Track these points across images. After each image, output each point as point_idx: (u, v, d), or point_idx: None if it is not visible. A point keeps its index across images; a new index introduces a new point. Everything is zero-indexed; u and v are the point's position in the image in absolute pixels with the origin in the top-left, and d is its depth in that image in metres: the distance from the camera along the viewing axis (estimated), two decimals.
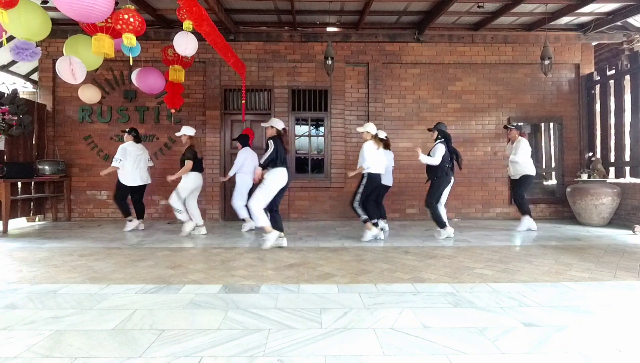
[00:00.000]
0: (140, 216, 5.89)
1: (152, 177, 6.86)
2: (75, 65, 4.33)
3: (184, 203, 5.35)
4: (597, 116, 6.97)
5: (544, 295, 2.71)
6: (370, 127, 4.90)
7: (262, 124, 4.62)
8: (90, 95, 5.93)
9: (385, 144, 5.33)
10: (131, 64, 4.55)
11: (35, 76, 7.69)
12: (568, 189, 6.50)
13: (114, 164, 5.53)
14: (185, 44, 4.38)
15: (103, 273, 3.36)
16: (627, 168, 6.32)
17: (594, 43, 7.21)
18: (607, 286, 2.92)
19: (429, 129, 5.40)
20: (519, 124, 6.26)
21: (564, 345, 1.94)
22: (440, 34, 7.04)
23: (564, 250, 4.26)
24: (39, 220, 6.90)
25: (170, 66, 5.25)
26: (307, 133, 7.20)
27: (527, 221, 5.66)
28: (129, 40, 3.69)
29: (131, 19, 3.68)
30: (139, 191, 5.83)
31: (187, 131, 5.39)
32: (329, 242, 4.80)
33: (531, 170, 5.65)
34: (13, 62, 7.38)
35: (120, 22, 3.66)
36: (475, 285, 2.96)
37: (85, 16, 3.35)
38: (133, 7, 3.83)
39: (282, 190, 4.46)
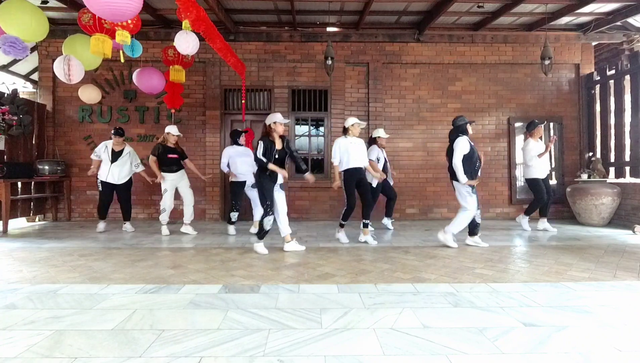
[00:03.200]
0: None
1: (152, 177, 6.85)
2: (72, 65, 4.32)
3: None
4: (597, 116, 6.97)
5: (544, 295, 2.71)
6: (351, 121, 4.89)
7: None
8: (90, 95, 5.93)
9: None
10: (122, 61, 4.47)
11: (35, 76, 7.69)
12: (568, 189, 6.50)
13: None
14: (186, 43, 4.37)
15: (103, 273, 3.36)
16: (627, 168, 6.32)
17: (594, 43, 7.21)
18: (607, 286, 2.92)
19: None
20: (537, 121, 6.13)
21: (564, 345, 1.94)
22: (440, 34, 7.04)
23: (564, 250, 4.26)
24: (39, 220, 6.90)
25: (171, 66, 5.26)
26: (307, 133, 7.20)
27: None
28: (123, 36, 3.66)
29: None
30: None
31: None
32: (329, 242, 4.79)
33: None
34: (13, 62, 7.39)
35: None
36: (475, 285, 2.96)
37: (114, 15, 3.29)
38: None
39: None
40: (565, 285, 2.95)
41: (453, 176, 4.46)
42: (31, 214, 6.63)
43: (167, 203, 5.41)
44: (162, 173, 5.37)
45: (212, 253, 4.16)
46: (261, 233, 4.22)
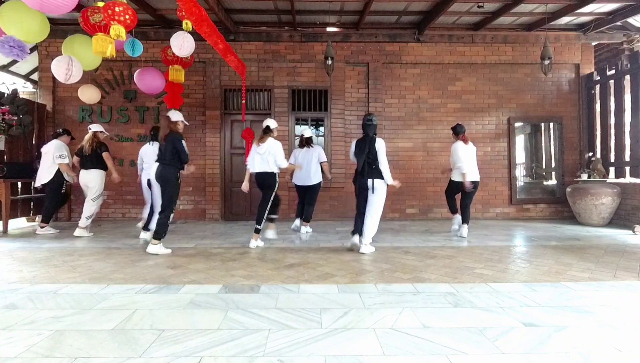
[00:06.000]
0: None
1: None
2: (73, 66, 4.31)
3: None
4: (597, 116, 6.97)
5: (544, 295, 2.71)
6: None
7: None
8: (89, 95, 5.93)
9: (306, 141, 5.48)
10: (113, 55, 4.33)
11: (35, 76, 7.70)
12: (568, 189, 6.50)
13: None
14: (181, 44, 4.37)
15: (103, 273, 3.36)
16: (627, 168, 6.32)
17: (594, 43, 7.22)
18: (607, 286, 2.92)
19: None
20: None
21: (564, 345, 1.94)
22: (440, 34, 7.04)
23: (564, 250, 4.26)
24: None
25: (170, 66, 5.26)
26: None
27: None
28: (117, 31, 3.64)
29: (118, 9, 3.64)
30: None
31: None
32: (329, 242, 4.79)
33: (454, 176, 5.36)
34: (13, 62, 7.39)
35: (109, 11, 3.63)
36: (475, 285, 2.96)
37: (49, 8, 3.33)
38: (125, 1, 3.80)
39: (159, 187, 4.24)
40: (565, 285, 2.95)
41: (377, 175, 4.15)
42: (31, 214, 6.63)
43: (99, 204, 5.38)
44: (98, 170, 5.26)
45: (212, 253, 4.16)
46: (164, 233, 4.18)
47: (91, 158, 5.24)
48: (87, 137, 5.30)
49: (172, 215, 4.23)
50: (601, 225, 6.08)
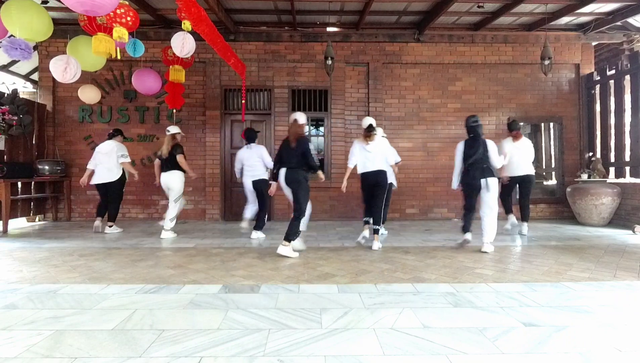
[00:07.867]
0: (99, 214, 5.71)
1: (154, 177, 6.79)
2: (71, 65, 4.31)
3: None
4: (597, 116, 6.97)
5: (544, 295, 2.71)
6: (363, 122, 4.71)
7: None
8: (89, 95, 5.93)
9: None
10: (118, 57, 4.32)
11: (35, 76, 7.69)
12: (568, 189, 6.50)
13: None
14: (181, 44, 4.37)
15: (103, 273, 3.36)
16: (627, 168, 6.32)
17: (594, 43, 7.21)
18: (607, 286, 2.92)
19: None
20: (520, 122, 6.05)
21: (564, 345, 1.94)
22: (440, 34, 7.04)
23: (564, 250, 4.26)
24: (39, 220, 6.89)
25: (171, 66, 5.26)
26: (307, 133, 7.19)
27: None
28: (120, 33, 3.64)
29: (119, 11, 3.65)
30: (99, 189, 5.66)
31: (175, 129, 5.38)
32: (329, 242, 4.79)
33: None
34: (13, 62, 7.39)
35: (111, 14, 3.63)
36: (475, 285, 2.96)
37: (92, 11, 3.33)
38: (127, 2, 3.81)
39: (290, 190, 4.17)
40: (565, 285, 2.95)
41: (489, 174, 4.26)
42: (31, 214, 6.63)
43: (181, 206, 5.43)
44: (177, 171, 5.24)
45: (212, 253, 4.16)
46: (295, 235, 4.09)
47: (169, 160, 5.22)
48: (165, 139, 5.28)
49: (306, 219, 4.19)
50: (601, 225, 6.08)
